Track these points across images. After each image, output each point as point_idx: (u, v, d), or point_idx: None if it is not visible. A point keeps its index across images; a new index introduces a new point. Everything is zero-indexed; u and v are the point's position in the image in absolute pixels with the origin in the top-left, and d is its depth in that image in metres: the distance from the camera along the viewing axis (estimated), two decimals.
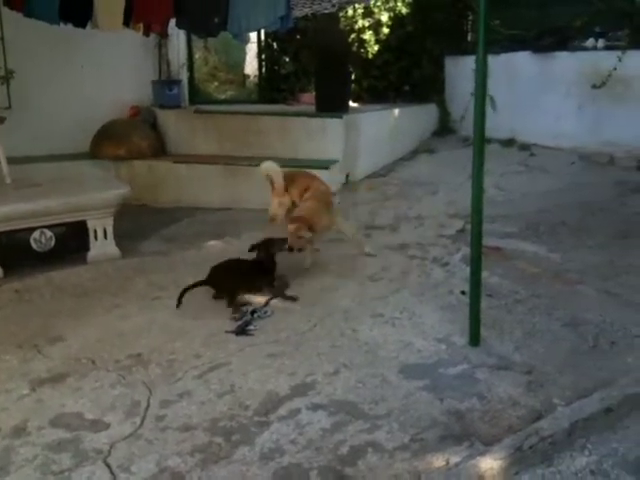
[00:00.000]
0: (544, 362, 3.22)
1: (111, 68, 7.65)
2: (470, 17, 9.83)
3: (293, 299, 4.13)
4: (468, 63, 7.31)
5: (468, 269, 3.54)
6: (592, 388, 2.93)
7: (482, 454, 2.46)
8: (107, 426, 2.73)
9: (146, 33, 5.91)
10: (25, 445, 2.61)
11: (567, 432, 2.61)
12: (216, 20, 5.18)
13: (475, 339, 3.40)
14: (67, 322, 3.81)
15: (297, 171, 5.09)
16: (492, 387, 2.99)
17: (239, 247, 5.16)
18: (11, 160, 5.43)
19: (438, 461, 2.46)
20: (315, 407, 2.83)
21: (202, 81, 10.11)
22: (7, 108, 6.69)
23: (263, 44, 9.60)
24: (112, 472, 2.43)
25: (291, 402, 2.88)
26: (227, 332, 3.63)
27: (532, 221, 5.65)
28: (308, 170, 5.18)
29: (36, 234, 4.73)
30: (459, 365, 3.20)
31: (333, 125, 7.09)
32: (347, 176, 7.26)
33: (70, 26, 5.88)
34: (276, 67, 9.65)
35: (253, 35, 9.30)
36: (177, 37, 8.02)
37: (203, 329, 3.69)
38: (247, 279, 4.17)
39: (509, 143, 8.55)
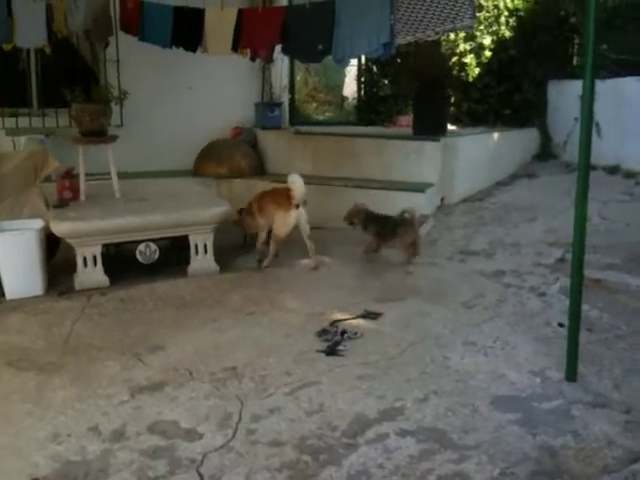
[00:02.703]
0: None
1: (217, 90, 7.97)
2: (576, 40, 9.57)
3: (376, 314, 4.21)
4: (573, 87, 7.13)
5: (567, 301, 3.44)
6: None
7: None
8: (201, 436, 2.82)
9: (252, 58, 6.15)
10: (123, 449, 2.73)
11: None
12: (320, 47, 5.32)
13: (572, 374, 3.28)
14: (167, 332, 3.98)
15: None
16: (588, 425, 2.87)
17: (331, 265, 5.31)
18: (120, 175, 5.75)
19: None
20: (403, 433, 2.82)
21: (301, 102, 10.33)
22: (119, 126, 7.10)
23: (363, 67, 9.71)
24: None
25: (379, 426, 2.88)
26: (317, 351, 3.68)
27: (636, 253, 5.40)
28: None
29: (142, 246, 4.97)
30: (554, 400, 3.10)
31: (430, 148, 7.06)
32: (442, 199, 7.20)
33: (180, 49, 6.21)
34: (375, 89, 9.73)
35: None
36: (281, 60, 8.24)
37: (294, 346, 3.76)
38: None
39: (614, 170, 8.22)
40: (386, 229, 5.36)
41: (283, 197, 5.25)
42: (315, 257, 5.38)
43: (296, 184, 5.19)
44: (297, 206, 5.20)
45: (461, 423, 2.90)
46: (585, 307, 3.71)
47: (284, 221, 5.23)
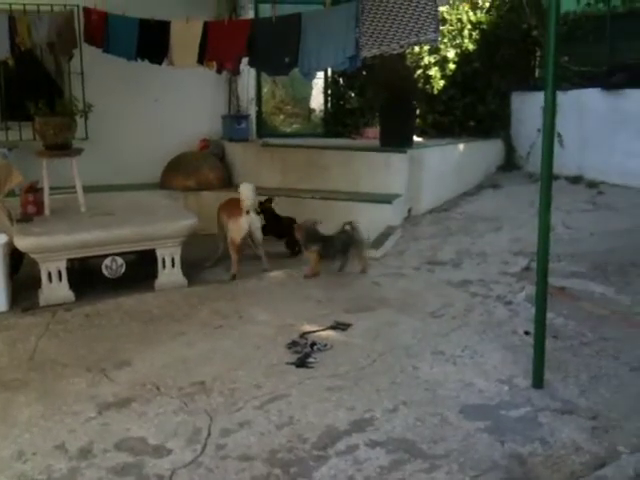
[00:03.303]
0: (610, 407, 3.12)
1: (184, 102, 7.94)
2: (538, 53, 9.75)
3: (346, 325, 4.22)
4: (535, 99, 7.24)
5: (532, 309, 3.48)
6: None
7: None
8: (169, 452, 2.79)
9: (219, 71, 6.15)
10: (90, 467, 2.69)
11: None
12: (287, 60, 5.36)
13: (539, 381, 3.33)
14: (134, 347, 3.94)
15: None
16: (555, 432, 2.91)
17: (299, 277, 5.30)
18: (86, 189, 5.68)
19: None
20: (373, 444, 2.82)
21: (269, 114, 10.33)
22: (84, 139, 7.02)
23: (329, 79, 9.77)
24: None
25: (349, 437, 2.88)
26: (287, 364, 3.67)
27: (600, 261, 5.49)
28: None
29: (107, 261, 4.91)
30: (521, 408, 3.14)
31: (397, 160, 7.12)
32: (409, 210, 7.25)
33: (146, 62, 6.17)
34: (341, 102, 9.78)
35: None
36: (248, 73, 8.24)
37: (264, 359, 3.74)
38: None
39: (576, 180, 8.37)
40: (333, 249, 5.41)
41: (234, 206, 5.52)
42: (266, 259, 5.71)
43: (244, 192, 5.41)
44: (247, 212, 5.40)
45: (430, 433, 2.92)
46: (550, 315, 3.76)
47: (237, 227, 5.43)
